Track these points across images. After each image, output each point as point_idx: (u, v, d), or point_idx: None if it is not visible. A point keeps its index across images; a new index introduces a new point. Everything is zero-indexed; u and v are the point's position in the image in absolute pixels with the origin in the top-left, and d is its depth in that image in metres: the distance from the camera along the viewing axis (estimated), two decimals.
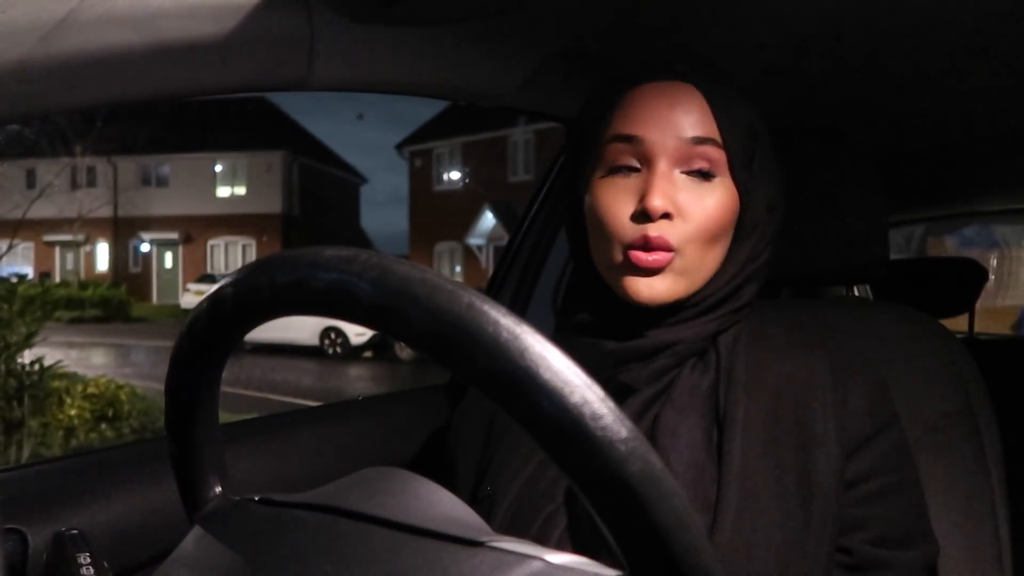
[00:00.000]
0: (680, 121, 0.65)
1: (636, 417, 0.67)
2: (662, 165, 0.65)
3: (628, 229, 0.65)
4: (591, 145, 0.70)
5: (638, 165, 0.66)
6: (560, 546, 0.62)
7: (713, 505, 0.61)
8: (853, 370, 0.69)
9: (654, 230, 0.64)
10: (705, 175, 0.66)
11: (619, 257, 0.66)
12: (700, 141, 0.65)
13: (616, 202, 0.66)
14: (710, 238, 0.66)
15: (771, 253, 0.72)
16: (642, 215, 0.64)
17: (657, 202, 0.63)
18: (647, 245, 0.64)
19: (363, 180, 28.31)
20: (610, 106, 0.69)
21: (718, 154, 0.66)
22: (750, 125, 0.69)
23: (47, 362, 4.79)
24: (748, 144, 0.68)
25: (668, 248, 0.64)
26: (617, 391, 0.67)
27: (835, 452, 0.64)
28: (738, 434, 0.63)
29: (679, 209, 0.65)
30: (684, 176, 0.66)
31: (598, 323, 0.71)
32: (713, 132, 0.66)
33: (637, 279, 0.66)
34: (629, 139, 0.66)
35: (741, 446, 0.63)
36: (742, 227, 0.69)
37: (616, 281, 0.67)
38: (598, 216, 0.68)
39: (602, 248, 0.68)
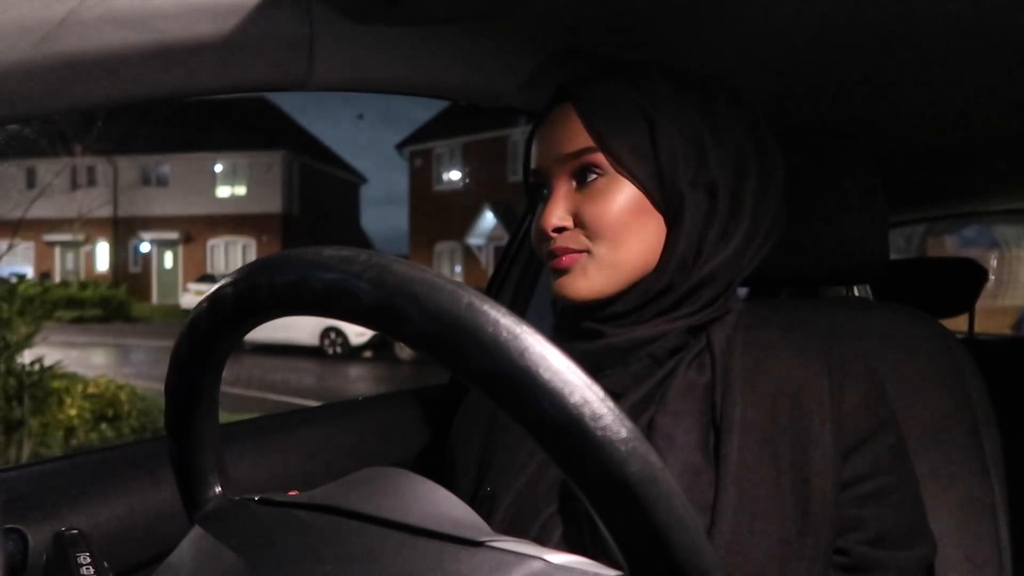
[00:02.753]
0: (557, 142, 0.71)
1: (635, 407, 0.67)
2: (556, 187, 0.72)
3: (543, 245, 0.73)
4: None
5: (545, 189, 0.74)
6: (560, 547, 0.62)
7: (711, 507, 0.61)
8: (850, 370, 0.68)
9: (555, 243, 0.71)
10: (598, 179, 0.70)
11: (549, 267, 0.74)
12: (578, 154, 0.70)
13: (536, 223, 0.74)
14: (617, 234, 0.69)
15: (737, 249, 0.70)
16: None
17: (551, 219, 0.71)
18: (553, 255, 0.71)
19: (363, 180, 28.31)
20: (528, 143, 0.78)
21: (599, 159, 0.70)
22: (640, 113, 0.69)
23: (47, 362, 4.79)
24: (635, 134, 0.69)
25: (569, 252, 0.70)
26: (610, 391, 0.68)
27: (831, 452, 0.63)
28: (735, 436, 0.63)
29: (579, 219, 0.70)
30: (582, 188, 0.71)
31: (572, 327, 0.74)
32: (588, 140, 0.70)
33: (560, 280, 0.72)
34: (534, 173, 0.75)
35: (738, 448, 0.62)
36: (666, 215, 0.70)
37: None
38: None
39: None
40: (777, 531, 0.60)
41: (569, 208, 0.71)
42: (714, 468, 0.63)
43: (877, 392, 0.69)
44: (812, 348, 0.70)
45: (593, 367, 0.69)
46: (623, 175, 0.69)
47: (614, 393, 0.68)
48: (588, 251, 0.70)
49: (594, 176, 0.70)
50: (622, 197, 0.69)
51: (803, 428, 0.64)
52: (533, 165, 0.75)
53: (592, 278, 0.70)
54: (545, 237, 0.72)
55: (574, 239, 0.71)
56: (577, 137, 0.70)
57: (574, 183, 0.72)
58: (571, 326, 0.74)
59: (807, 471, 0.62)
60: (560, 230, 0.71)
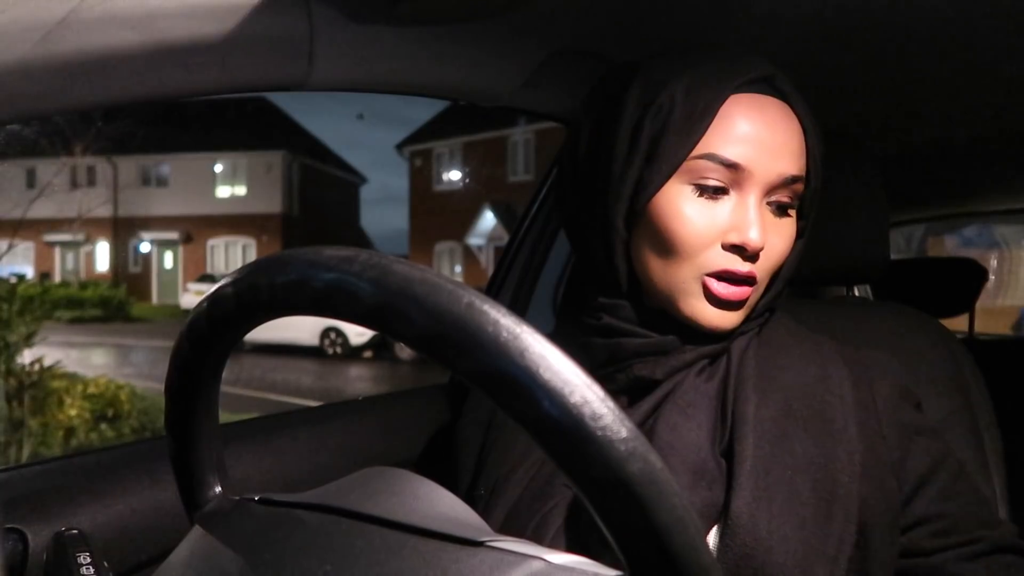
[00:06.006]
0: (784, 155, 0.61)
1: (648, 412, 0.65)
2: (758, 196, 0.61)
3: (712, 256, 0.62)
4: (668, 150, 0.61)
5: (726, 187, 0.62)
6: (556, 544, 0.62)
7: (719, 504, 0.60)
8: (871, 364, 0.68)
9: (744, 265, 0.61)
10: (785, 208, 0.64)
11: (690, 281, 0.63)
12: (794, 180, 0.63)
13: (701, 225, 0.61)
14: (774, 271, 0.66)
15: (797, 252, 0.71)
16: (734, 247, 0.61)
17: (758, 238, 0.60)
18: (731, 278, 0.62)
19: (363, 180, 28.31)
20: (703, 114, 0.61)
21: (800, 189, 0.64)
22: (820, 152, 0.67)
23: (47, 362, 4.79)
24: (820, 176, 0.67)
25: (752, 283, 0.63)
26: (633, 384, 0.67)
27: (857, 448, 0.61)
28: (749, 433, 0.61)
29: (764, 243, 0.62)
30: (767, 207, 0.63)
31: (623, 325, 0.67)
32: (803, 168, 0.63)
33: (709, 307, 0.63)
34: (731, 165, 0.60)
35: (753, 446, 0.60)
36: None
37: (679, 302, 0.64)
38: (675, 234, 0.62)
39: (669, 266, 0.63)
40: (797, 531, 0.58)
41: (763, 227, 0.61)
42: (723, 466, 0.61)
43: (906, 389, 0.68)
44: (823, 343, 0.69)
45: (634, 355, 0.67)
46: (800, 212, 0.66)
47: (655, 380, 0.66)
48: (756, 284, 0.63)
49: (789, 207, 0.63)
50: (794, 233, 0.65)
51: (824, 422, 0.63)
52: (743, 162, 0.60)
53: (745, 312, 0.65)
54: (732, 249, 0.61)
55: (763, 269, 0.63)
56: (800, 160, 0.62)
57: (765, 200, 0.62)
58: (627, 325, 0.67)
59: (831, 468, 0.60)
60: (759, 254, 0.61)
